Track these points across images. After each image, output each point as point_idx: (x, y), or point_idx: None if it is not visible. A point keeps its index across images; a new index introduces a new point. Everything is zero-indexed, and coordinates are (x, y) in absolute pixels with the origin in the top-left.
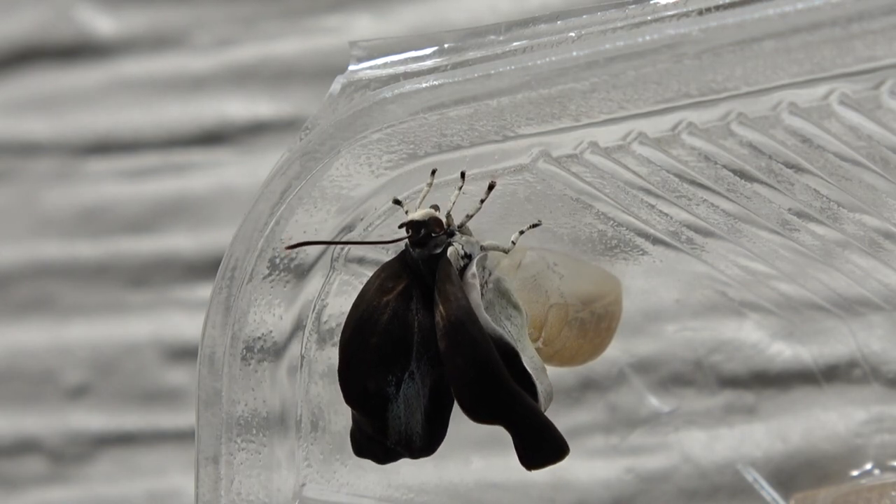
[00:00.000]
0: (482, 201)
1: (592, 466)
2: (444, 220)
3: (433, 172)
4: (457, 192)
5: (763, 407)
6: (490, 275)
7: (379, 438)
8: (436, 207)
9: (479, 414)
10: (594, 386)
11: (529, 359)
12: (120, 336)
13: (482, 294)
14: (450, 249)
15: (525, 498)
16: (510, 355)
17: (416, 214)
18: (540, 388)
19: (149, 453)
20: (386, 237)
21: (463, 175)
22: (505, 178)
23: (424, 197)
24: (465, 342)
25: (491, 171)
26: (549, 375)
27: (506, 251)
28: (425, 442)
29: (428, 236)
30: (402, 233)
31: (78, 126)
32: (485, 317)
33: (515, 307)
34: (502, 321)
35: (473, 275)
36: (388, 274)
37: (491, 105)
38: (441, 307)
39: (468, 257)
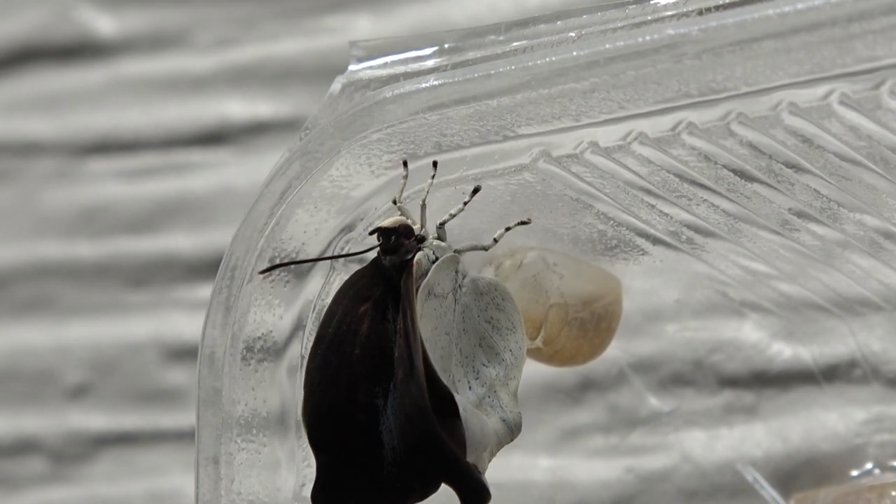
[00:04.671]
0: (465, 203)
1: (592, 466)
2: (415, 226)
3: (405, 163)
4: (430, 181)
5: (763, 407)
6: (464, 277)
7: (369, 467)
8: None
9: (405, 436)
10: (594, 386)
11: (509, 390)
12: (120, 336)
13: (456, 300)
14: (418, 255)
15: (525, 498)
16: (444, 392)
17: (386, 221)
18: (509, 417)
19: (149, 453)
20: None
21: (435, 164)
22: (505, 178)
23: (402, 189)
24: (407, 364)
25: (491, 170)
26: (547, 375)
27: (486, 248)
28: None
29: (399, 243)
30: (373, 242)
31: (78, 126)
32: (421, 352)
33: (499, 307)
34: (481, 325)
35: (429, 289)
36: (364, 283)
37: (491, 105)
38: (401, 317)
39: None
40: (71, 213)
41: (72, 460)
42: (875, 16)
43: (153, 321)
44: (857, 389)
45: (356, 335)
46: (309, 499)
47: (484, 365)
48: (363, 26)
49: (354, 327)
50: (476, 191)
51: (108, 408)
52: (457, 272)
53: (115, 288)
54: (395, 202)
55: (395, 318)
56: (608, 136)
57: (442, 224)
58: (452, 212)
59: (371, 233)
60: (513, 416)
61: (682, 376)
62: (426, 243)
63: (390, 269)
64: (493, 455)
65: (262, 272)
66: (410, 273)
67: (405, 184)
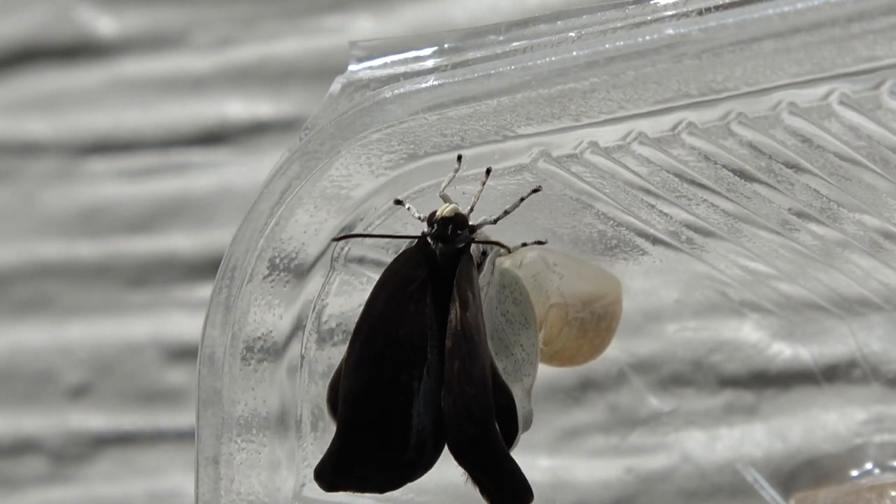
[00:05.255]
0: (522, 199)
1: (592, 466)
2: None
3: (459, 158)
4: (481, 187)
5: (763, 407)
6: (495, 269)
7: (394, 448)
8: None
9: (454, 427)
10: (594, 386)
11: (523, 386)
12: (120, 336)
13: (486, 291)
14: (472, 247)
15: None
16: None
17: (446, 210)
18: (520, 412)
19: (149, 453)
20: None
21: (488, 171)
22: (505, 178)
23: (449, 182)
24: (467, 356)
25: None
26: (547, 375)
27: (510, 251)
28: (433, 444)
29: (455, 233)
30: (417, 227)
31: (78, 126)
32: (485, 336)
33: (516, 302)
34: (496, 317)
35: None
36: (411, 264)
37: (491, 105)
38: (458, 307)
39: (484, 255)
40: (71, 213)
41: (72, 460)
42: (875, 16)
43: (153, 321)
44: (857, 389)
45: (403, 315)
46: (309, 499)
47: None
48: (363, 26)
49: (402, 307)
50: (535, 191)
51: (107, 408)
52: (494, 265)
53: (114, 288)
54: (399, 202)
55: (431, 302)
56: (608, 136)
57: (496, 220)
58: (507, 208)
59: (435, 220)
60: (524, 413)
61: (682, 376)
62: (478, 234)
63: (436, 255)
64: None
65: (336, 239)
66: (472, 262)
67: (454, 177)
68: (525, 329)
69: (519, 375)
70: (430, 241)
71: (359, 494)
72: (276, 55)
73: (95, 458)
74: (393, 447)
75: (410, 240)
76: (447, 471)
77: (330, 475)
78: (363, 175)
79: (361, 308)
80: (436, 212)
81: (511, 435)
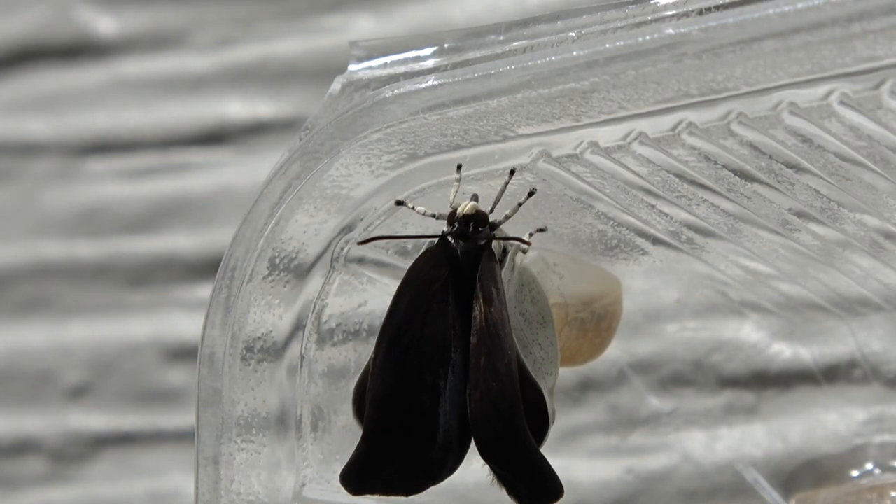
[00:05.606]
0: (520, 204)
1: (592, 467)
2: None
3: (459, 167)
4: (503, 186)
5: (763, 407)
6: (515, 267)
7: (419, 449)
8: (475, 198)
9: (481, 423)
10: (594, 386)
11: (546, 385)
12: (120, 336)
13: (505, 290)
14: (493, 244)
15: None
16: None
17: (466, 208)
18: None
19: (149, 453)
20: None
21: (512, 172)
22: (505, 178)
23: (457, 192)
24: (492, 351)
25: (491, 170)
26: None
27: (524, 251)
28: (458, 444)
29: (476, 230)
30: (436, 225)
31: (78, 126)
32: (510, 332)
33: (533, 301)
34: (515, 316)
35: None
36: (434, 263)
37: (491, 105)
38: (482, 303)
39: (505, 252)
40: (71, 213)
41: (71, 460)
42: (875, 16)
43: (153, 321)
44: (858, 389)
45: (427, 315)
46: (308, 499)
47: None
48: (363, 26)
49: (426, 307)
50: (531, 194)
51: (107, 408)
52: (514, 262)
53: (114, 288)
54: (400, 202)
55: (454, 301)
56: (608, 136)
57: (499, 225)
58: (508, 213)
59: (456, 219)
60: (550, 412)
61: (683, 376)
62: (496, 232)
63: (457, 253)
64: None
65: (361, 243)
66: (494, 257)
67: (459, 186)
68: (543, 328)
69: (540, 374)
70: (450, 239)
71: (383, 498)
72: (276, 55)
73: (95, 458)
74: (419, 447)
75: (431, 239)
76: None
77: (356, 478)
78: (363, 175)
79: (386, 309)
80: (456, 210)
81: (541, 431)
